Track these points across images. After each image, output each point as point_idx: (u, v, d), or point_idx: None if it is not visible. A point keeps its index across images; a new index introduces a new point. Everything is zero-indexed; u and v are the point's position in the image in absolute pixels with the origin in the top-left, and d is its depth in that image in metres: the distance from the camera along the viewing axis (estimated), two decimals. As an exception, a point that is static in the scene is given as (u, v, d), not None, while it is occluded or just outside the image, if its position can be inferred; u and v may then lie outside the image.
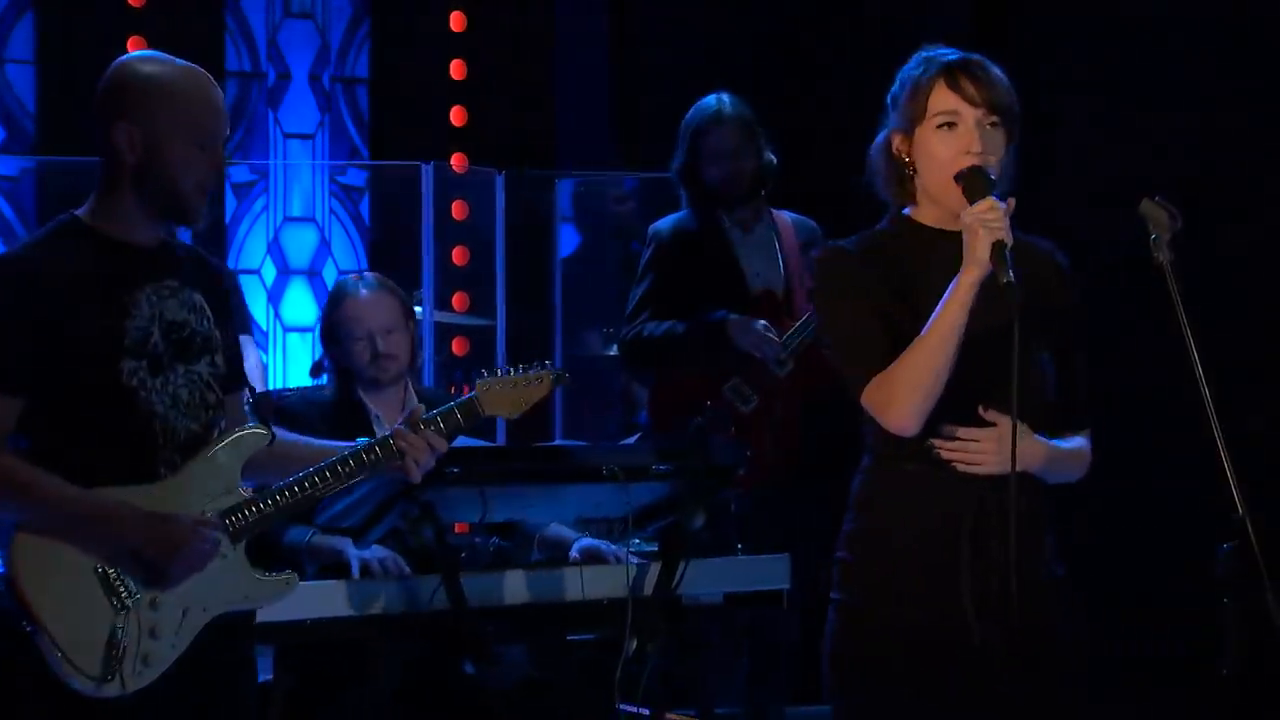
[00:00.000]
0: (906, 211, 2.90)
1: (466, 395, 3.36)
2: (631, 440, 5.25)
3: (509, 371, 3.40)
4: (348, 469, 3.18)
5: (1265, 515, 2.74)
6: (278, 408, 4.31)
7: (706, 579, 4.17)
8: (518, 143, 6.69)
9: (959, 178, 2.77)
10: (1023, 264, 2.75)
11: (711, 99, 5.13)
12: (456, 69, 6.72)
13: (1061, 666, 2.84)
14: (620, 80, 6.84)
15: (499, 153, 6.53)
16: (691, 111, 5.13)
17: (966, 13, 6.08)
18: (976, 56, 2.85)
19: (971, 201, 2.73)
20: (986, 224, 2.69)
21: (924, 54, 2.87)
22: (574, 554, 4.15)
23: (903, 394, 2.74)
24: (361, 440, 3.23)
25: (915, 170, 2.84)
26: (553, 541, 4.23)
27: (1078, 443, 2.90)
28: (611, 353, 5.96)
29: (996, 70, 2.84)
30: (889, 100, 2.89)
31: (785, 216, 5.18)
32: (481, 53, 6.72)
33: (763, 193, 5.13)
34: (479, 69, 6.71)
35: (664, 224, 5.17)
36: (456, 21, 6.73)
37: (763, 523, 4.87)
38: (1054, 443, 2.84)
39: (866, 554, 2.86)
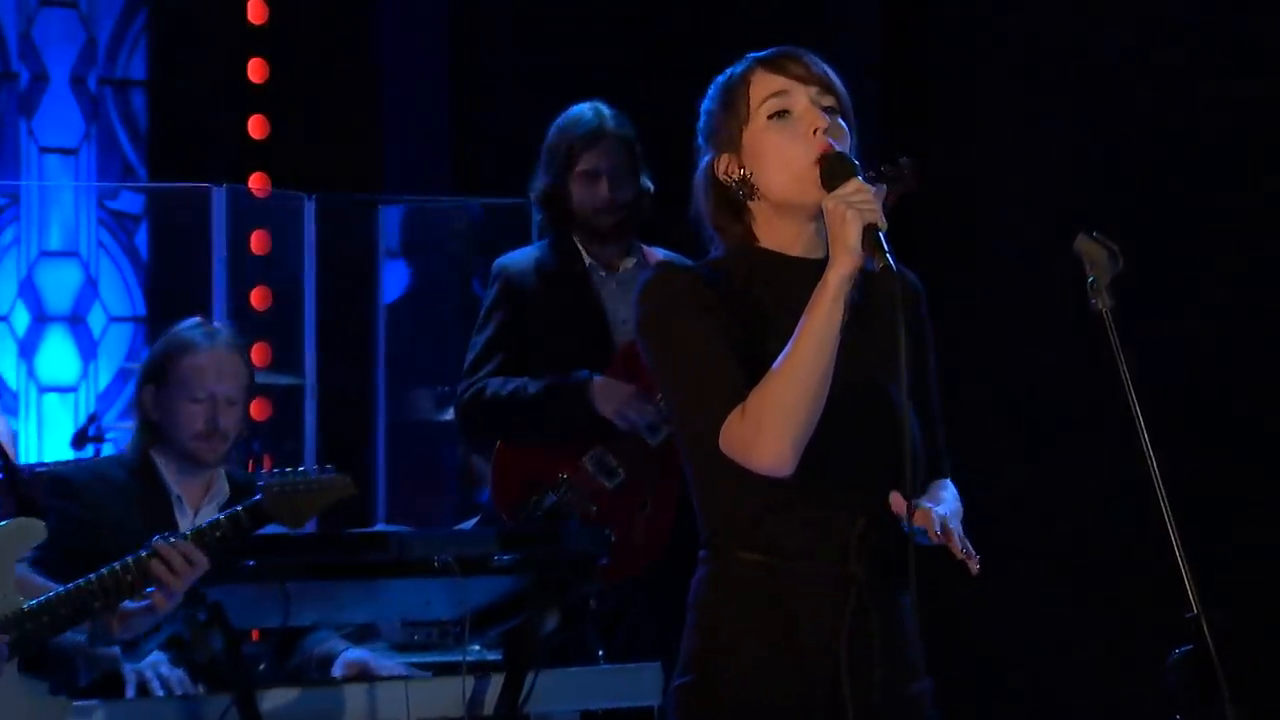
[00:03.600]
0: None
1: (253, 499, 3.41)
2: (469, 524, 5.23)
3: (288, 474, 3.44)
4: (99, 594, 3.20)
5: (1229, 610, 2.88)
6: (55, 481, 4.28)
7: (561, 693, 4.19)
8: (332, 160, 6.70)
9: (818, 164, 2.80)
10: (877, 291, 2.79)
11: (587, 110, 5.16)
12: (256, 70, 6.71)
13: None
14: (461, 86, 6.85)
15: (309, 173, 6.55)
16: (563, 122, 5.16)
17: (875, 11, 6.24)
18: (792, 46, 2.93)
19: (833, 188, 2.77)
20: (855, 206, 2.72)
21: (722, 76, 2.94)
22: (336, 670, 4.18)
23: (773, 422, 2.71)
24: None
25: (751, 188, 2.87)
26: (318, 655, 4.26)
27: (954, 491, 2.95)
28: (447, 417, 5.96)
29: (820, 58, 2.91)
30: (700, 130, 2.94)
31: (658, 254, 5.15)
32: (287, 50, 6.71)
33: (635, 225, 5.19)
34: (284, 70, 6.70)
35: (512, 260, 5.20)
36: (255, 12, 6.71)
37: (630, 624, 4.92)
38: (944, 499, 2.88)
39: (710, 677, 2.86)
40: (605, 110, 5.16)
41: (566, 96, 5.26)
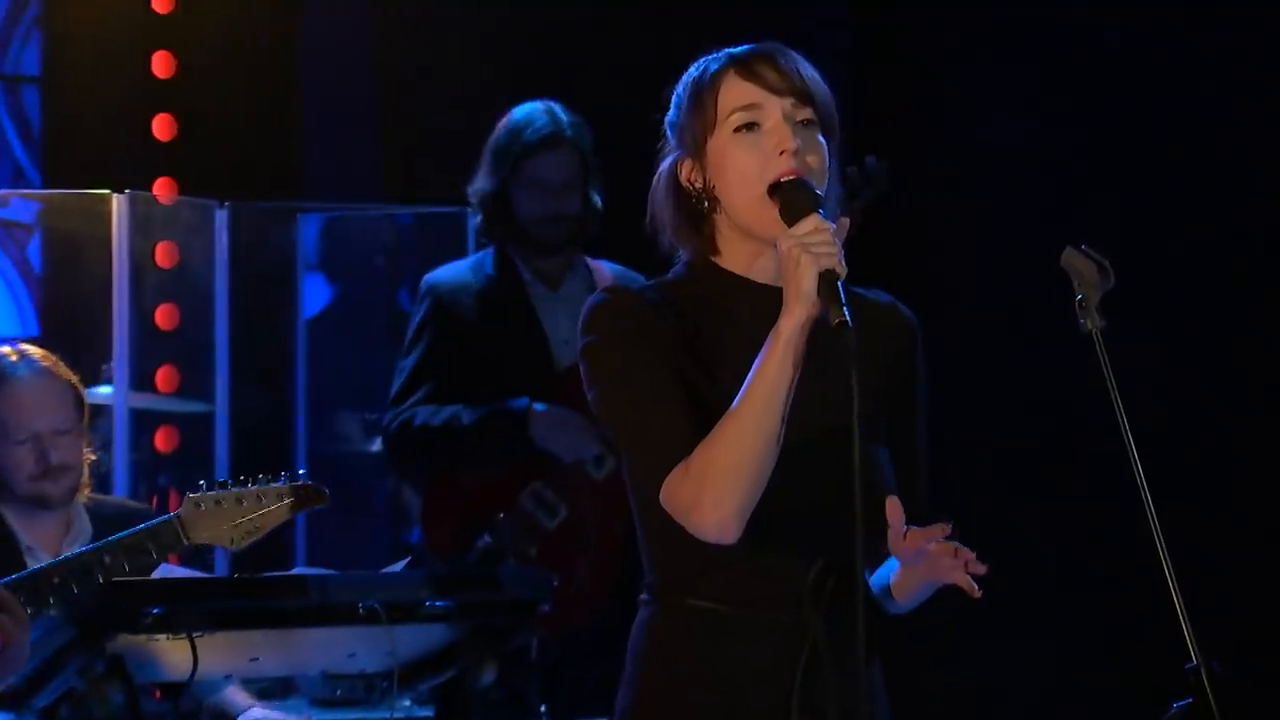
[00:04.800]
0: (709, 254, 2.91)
1: (168, 515, 3.36)
2: (399, 566, 5.14)
3: (230, 485, 3.38)
4: None
5: (1229, 659, 2.84)
6: None
7: (499, 753, 4.18)
8: (246, 164, 6.67)
9: (773, 191, 2.78)
10: (858, 325, 2.74)
11: (540, 111, 5.18)
12: (161, 64, 6.65)
13: None
14: (389, 82, 6.83)
15: (220, 178, 6.51)
16: (513, 121, 5.18)
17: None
18: (773, 45, 2.89)
19: (791, 223, 2.74)
20: (811, 249, 2.69)
21: (704, 59, 2.92)
22: None
23: (716, 485, 2.71)
24: None
25: (713, 201, 2.86)
26: (210, 705, 4.25)
27: None
28: (374, 448, 5.99)
29: (803, 61, 2.88)
30: (667, 126, 2.92)
31: (604, 269, 5.24)
32: (196, 42, 6.67)
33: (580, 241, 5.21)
34: (193, 65, 6.66)
35: (443, 275, 5.22)
36: (161, 0, 6.70)
37: (574, 677, 4.93)
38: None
39: None
40: (562, 115, 5.19)
41: (507, 94, 5.28)
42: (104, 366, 5.87)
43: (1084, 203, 5.82)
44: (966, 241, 6.06)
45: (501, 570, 4.80)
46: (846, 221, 2.76)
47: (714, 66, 2.87)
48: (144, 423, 6.29)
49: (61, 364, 4.44)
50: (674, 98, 2.92)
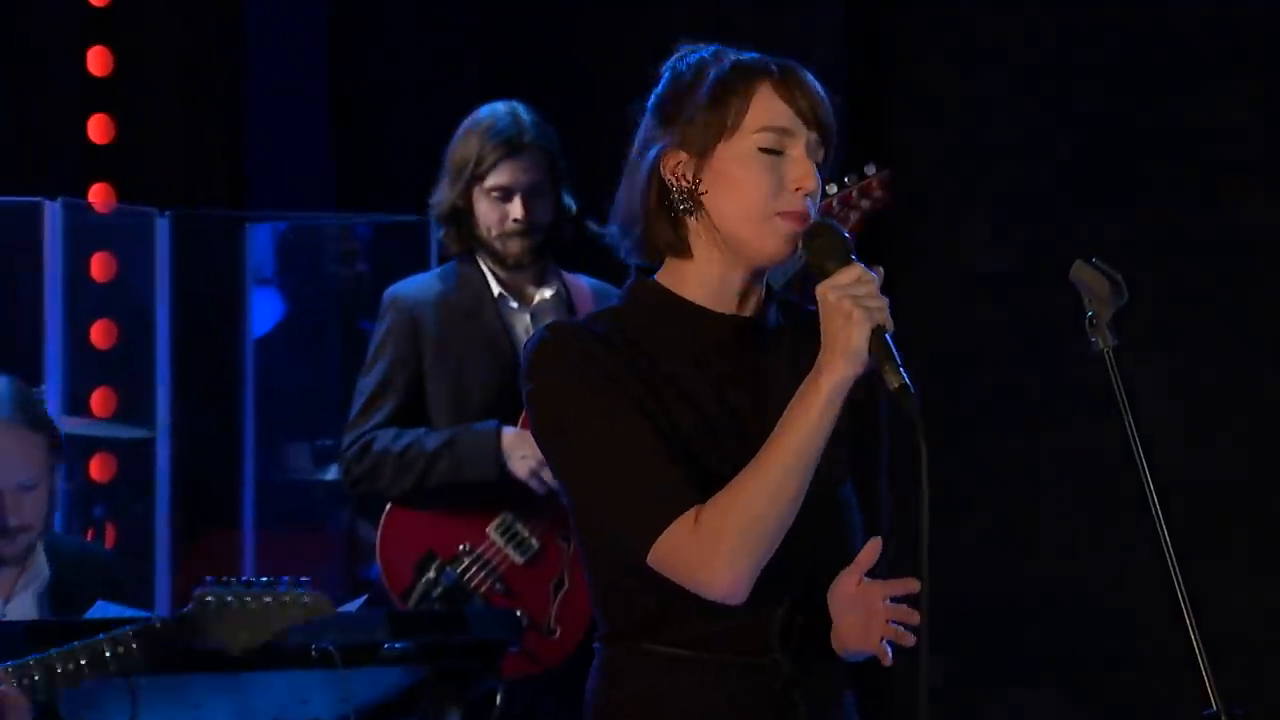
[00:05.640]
0: (655, 279, 2.92)
1: (156, 614, 3.35)
2: (355, 605, 5.11)
3: (247, 587, 3.48)
4: None
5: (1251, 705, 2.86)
6: None
7: (464, 808, 4.23)
8: (190, 169, 6.69)
9: (809, 237, 2.81)
10: (805, 350, 2.80)
11: (502, 111, 5.16)
12: (97, 61, 6.65)
13: None
14: (344, 82, 6.86)
15: (162, 183, 6.53)
16: (473, 126, 5.16)
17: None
18: (796, 63, 2.93)
19: (824, 270, 2.78)
20: (862, 302, 2.73)
21: (706, 49, 2.92)
22: None
23: (735, 546, 2.73)
24: None
25: (699, 206, 2.87)
26: None
27: None
28: (328, 476, 6.01)
29: (821, 85, 2.93)
30: (655, 103, 2.92)
31: (582, 283, 5.23)
32: (135, 37, 6.66)
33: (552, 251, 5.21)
34: (131, 62, 6.66)
35: (406, 288, 5.21)
36: (96, -10, 6.69)
37: (545, 724, 4.77)
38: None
39: None
40: (525, 115, 5.17)
41: (469, 93, 5.25)
42: (35, 389, 5.82)
43: (1089, 209, 5.92)
44: (966, 252, 6.14)
45: (466, 609, 4.79)
46: (882, 271, 2.79)
47: (746, 69, 2.87)
48: (78, 449, 6.23)
49: (38, 402, 4.39)
50: (668, 76, 2.92)
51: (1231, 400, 5.76)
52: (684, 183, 2.86)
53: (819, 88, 2.89)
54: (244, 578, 3.71)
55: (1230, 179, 5.80)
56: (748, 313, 2.89)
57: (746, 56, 2.90)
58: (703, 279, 2.88)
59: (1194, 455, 5.59)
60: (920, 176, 5.94)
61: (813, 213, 2.84)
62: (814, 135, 2.86)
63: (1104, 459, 4.68)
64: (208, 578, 3.61)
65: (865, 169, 4.74)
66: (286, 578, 3.68)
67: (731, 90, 2.85)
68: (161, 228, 6.26)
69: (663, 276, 2.92)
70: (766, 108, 2.85)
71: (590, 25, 6.53)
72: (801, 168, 2.84)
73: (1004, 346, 5.97)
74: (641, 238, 2.90)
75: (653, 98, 2.92)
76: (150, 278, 6.25)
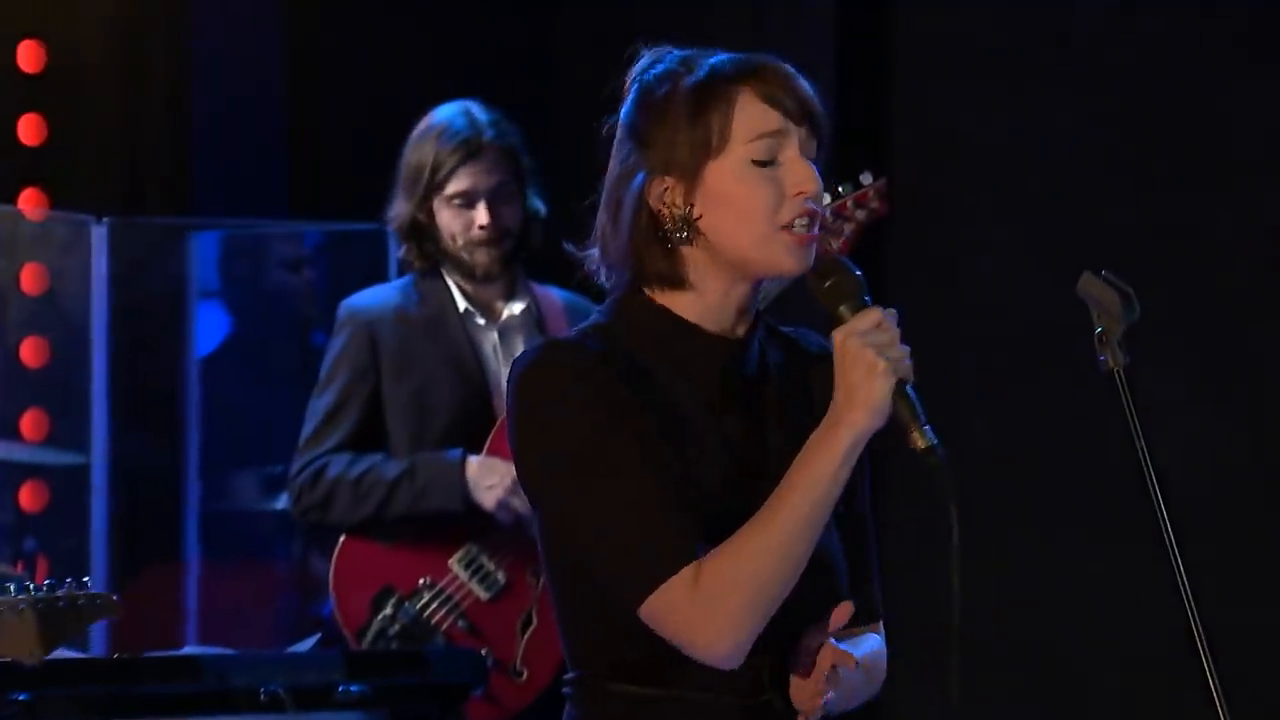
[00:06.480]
0: (647, 294, 2.91)
1: None
2: (307, 644, 5.12)
3: (27, 591, 3.41)
4: None
5: None
6: None
7: None
8: (129, 173, 6.69)
9: (820, 276, 2.81)
10: (791, 375, 2.85)
11: (457, 113, 5.17)
12: (28, 57, 6.62)
13: None
14: (296, 79, 6.87)
15: (98, 189, 6.53)
16: (427, 130, 5.18)
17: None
18: (776, 59, 2.92)
19: (837, 311, 2.78)
20: (884, 352, 2.73)
21: (670, 56, 2.90)
22: None
23: (736, 607, 2.74)
24: None
25: (696, 233, 2.85)
26: None
27: (874, 644, 3.00)
28: (278, 505, 5.97)
29: (803, 77, 2.92)
30: (628, 125, 2.90)
31: (553, 297, 5.25)
32: (71, 31, 6.65)
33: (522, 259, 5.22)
34: (65, 59, 6.64)
35: (363, 301, 5.22)
36: (26, -15, 6.75)
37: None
38: (858, 654, 2.89)
39: None
40: (480, 115, 5.20)
41: (429, 94, 5.27)
42: (-41, 412, 5.92)
43: (1097, 215, 6.00)
44: (966, 260, 6.20)
45: (427, 649, 4.81)
46: (895, 313, 2.79)
47: (723, 77, 2.85)
48: (7, 476, 6.31)
49: None
50: (636, 92, 2.91)
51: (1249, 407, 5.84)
52: (676, 210, 2.85)
53: (799, 78, 2.88)
54: (21, 583, 3.64)
55: (1246, 178, 5.85)
56: (741, 332, 2.89)
57: (717, 60, 2.87)
58: (700, 298, 2.88)
59: (1206, 460, 5.67)
60: (914, 181, 5.99)
61: (820, 211, 2.85)
62: (805, 130, 2.85)
63: (1110, 474, 4.70)
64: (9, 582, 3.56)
65: (860, 178, 4.74)
66: (70, 579, 3.59)
67: (711, 103, 2.84)
68: (98, 236, 6.28)
69: (654, 292, 2.90)
70: (751, 115, 2.84)
71: (563, 23, 6.63)
72: (799, 171, 2.83)
73: (1006, 358, 6.04)
74: (632, 272, 2.89)
75: (624, 117, 2.90)
76: (86, 290, 6.28)
